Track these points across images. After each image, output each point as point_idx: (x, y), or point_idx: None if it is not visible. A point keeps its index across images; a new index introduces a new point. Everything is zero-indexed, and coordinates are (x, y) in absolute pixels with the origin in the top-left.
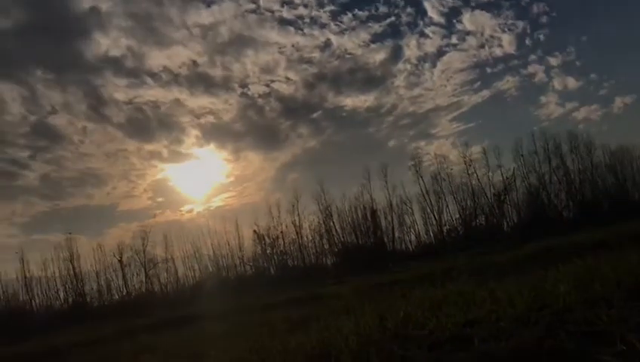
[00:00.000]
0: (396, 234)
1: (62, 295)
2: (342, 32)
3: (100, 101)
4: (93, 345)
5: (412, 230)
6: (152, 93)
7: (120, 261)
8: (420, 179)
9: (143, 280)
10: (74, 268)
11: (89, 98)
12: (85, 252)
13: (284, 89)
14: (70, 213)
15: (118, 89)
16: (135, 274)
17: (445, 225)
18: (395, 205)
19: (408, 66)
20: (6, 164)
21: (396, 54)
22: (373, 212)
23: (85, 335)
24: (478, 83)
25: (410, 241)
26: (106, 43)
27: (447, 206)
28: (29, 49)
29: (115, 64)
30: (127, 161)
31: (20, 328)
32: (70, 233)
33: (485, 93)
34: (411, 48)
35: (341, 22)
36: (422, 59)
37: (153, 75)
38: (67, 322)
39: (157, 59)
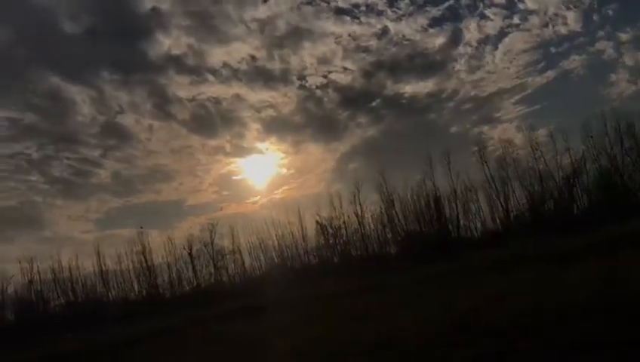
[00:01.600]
0: (461, 222)
1: (136, 287)
2: (399, 18)
3: (165, 99)
4: (167, 333)
5: (477, 217)
6: (213, 89)
7: (189, 253)
8: (485, 164)
9: (212, 271)
10: (146, 261)
11: (154, 97)
12: (156, 245)
13: (342, 79)
14: (141, 208)
15: (180, 87)
16: (204, 265)
17: (512, 211)
18: (459, 192)
19: (469, 50)
20: (80, 163)
21: (456, 38)
22: (437, 199)
23: (160, 325)
24: (543, 63)
25: (476, 229)
26: (168, 42)
27: (514, 191)
28: (96, 52)
29: (177, 62)
30: (192, 156)
31: (97, 319)
32: (142, 227)
33: (550, 74)
34: (471, 31)
35: (398, 8)
36: (483, 41)
37: (214, 72)
38: (141, 312)
39: (217, 55)
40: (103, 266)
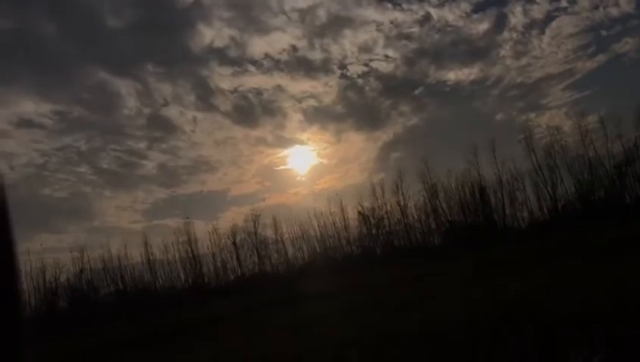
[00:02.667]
0: (507, 212)
1: (182, 276)
2: (442, 4)
3: (208, 91)
4: (216, 321)
5: (524, 207)
6: (254, 80)
7: (234, 243)
8: (532, 152)
9: (256, 261)
10: (192, 250)
11: (197, 88)
12: (202, 235)
13: (384, 67)
14: (186, 198)
15: (223, 78)
16: (248, 255)
17: (560, 200)
18: (504, 181)
19: (514, 35)
20: (127, 155)
21: (500, 23)
22: (482, 189)
23: (207, 313)
24: (593, 47)
25: (523, 218)
26: (210, 34)
27: (562, 180)
28: (140, 46)
29: (219, 54)
30: (235, 147)
31: (145, 307)
32: (187, 218)
33: (601, 58)
34: (517, 16)
35: None
36: (529, 26)
37: (255, 63)
38: (188, 301)
39: (258, 46)
40: (151, 256)
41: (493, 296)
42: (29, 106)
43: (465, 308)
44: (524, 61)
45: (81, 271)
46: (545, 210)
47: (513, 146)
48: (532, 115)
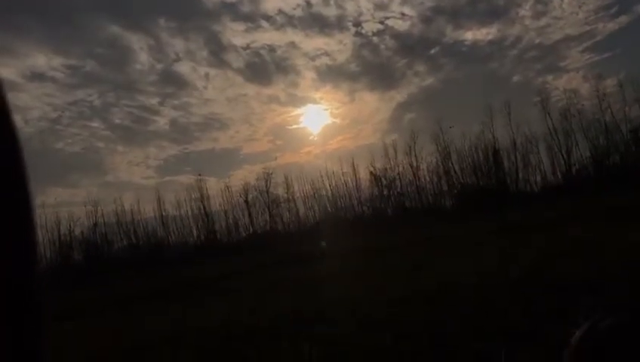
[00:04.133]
0: (520, 175)
1: (194, 232)
2: None
3: (220, 47)
4: (227, 277)
5: (538, 170)
6: (267, 36)
7: (246, 201)
8: (547, 116)
9: (267, 219)
10: (204, 207)
11: (209, 44)
12: (214, 192)
13: (400, 25)
14: (198, 155)
15: (235, 34)
16: (260, 213)
17: (574, 164)
18: (519, 144)
19: None
20: (139, 111)
21: None
22: (496, 152)
23: (217, 269)
24: (615, 8)
25: (536, 182)
26: None
27: (577, 144)
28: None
29: (231, 9)
30: (247, 105)
31: (158, 262)
32: (200, 175)
33: (623, 19)
34: None
35: None
36: None
37: (268, 19)
38: (200, 256)
39: (272, 1)
40: (163, 211)
41: (505, 259)
42: (41, 59)
43: (476, 269)
44: (543, 21)
45: (95, 224)
46: (559, 174)
47: (529, 109)
48: (549, 78)
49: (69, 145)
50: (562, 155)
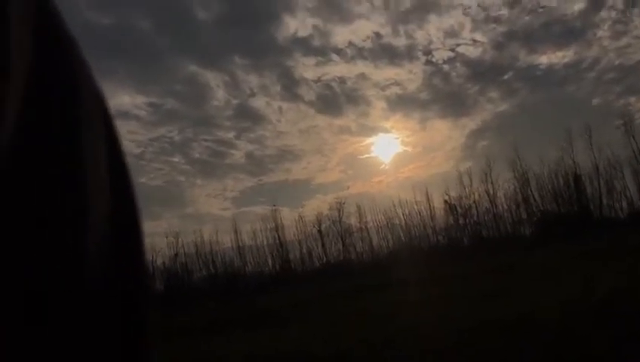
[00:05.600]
0: (604, 201)
1: (270, 262)
2: None
3: (292, 81)
4: (303, 305)
5: (623, 196)
6: (338, 69)
7: (319, 231)
8: (632, 138)
9: (341, 248)
10: (279, 237)
11: (282, 79)
12: (288, 222)
13: (471, 52)
14: (272, 186)
15: (307, 68)
16: (333, 243)
17: None
18: (601, 169)
19: (613, 14)
20: (216, 145)
21: (597, 1)
22: (577, 177)
23: (292, 297)
24: None
25: (622, 209)
26: (294, 25)
27: None
28: (227, 38)
29: (303, 44)
30: (319, 136)
31: (236, 290)
32: (275, 205)
33: None
34: None
35: None
36: (629, 3)
37: (339, 52)
38: (275, 285)
39: (341, 35)
40: (240, 242)
41: (587, 286)
42: (126, 99)
43: (560, 298)
44: (623, 41)
45: (176, 255)
46: None
47: (611, 132)
48: (632, 99)
49: (151, 180)
50: None
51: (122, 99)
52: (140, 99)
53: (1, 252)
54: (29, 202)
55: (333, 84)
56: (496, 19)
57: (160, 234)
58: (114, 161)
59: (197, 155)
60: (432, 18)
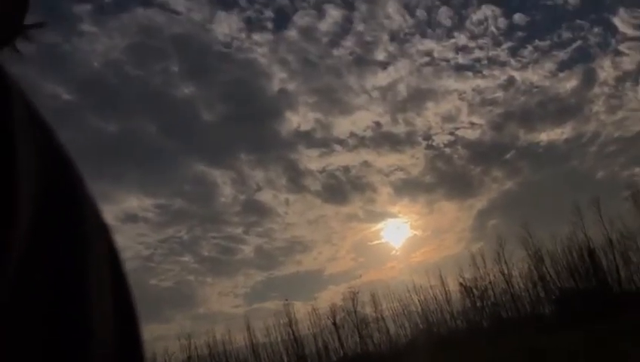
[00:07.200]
0: (622, 274)
1: (285, 358)
2: (524, 67)
3: (297, 173)
4: None
5: None
6: (341, 158)
7: (334, 323)
8: None
9: (357, 340)
10: (293, 332)
11: (288, 172)
12: (301, 316)
13: (470, 134)
14: (283, 280)
15: (311, 160)
16: (349, 335)
17: None
18: (615, 242)
19: (606, 89)
20: (225, 241)
21: (590, 78)
22: (591, 252)
23: None
24: None
25: None
26: (297, 119)
27: None
28: (232, 136)
29: (306, 137)
30: (327, 225)
31: None
32: (287, 299)
33: None
34: (606, 69)
35: (522, 56)
36: (621, 79)
37: (341, 142)
38: None
39: (343, 126)
40: (253, 339)
41: None
42: (134, 202)
43: None
44: (620, 115)
45: (189, 357)
46: None
47: (619, 204)
48: (636, 170)
49: (162, 281)
50: None
51: (130, 203)
52: (148, 202)
53: None
54: (34, 330)
55: (338, 173)
56: (492, 102)
57: (172, 337)
58: (117, 283)
59: (206, 253)
60: (429, 105)
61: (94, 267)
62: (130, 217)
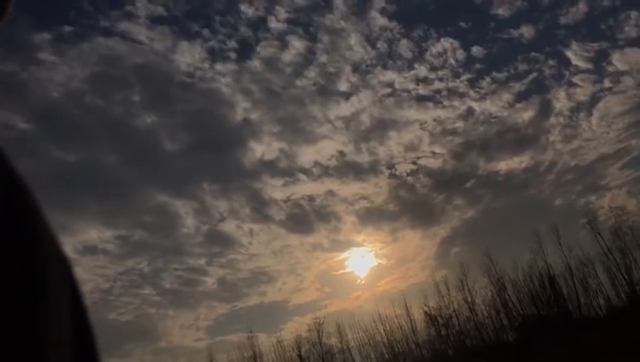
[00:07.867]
0: (582, 300)
1: None
2: (483, 98)
3: (262, 203)
4: None
5: (599, 294)
6: (305, 187)
7: (299, 355)
8: (598, 236)
9: None
10: None
11: (252, 201)
12: (266, 348)
13: (432, 163)
14: (247, 311)
15: (275, 189)
16: None
17: (638, 284)
18: (574, 268)
19: (561, 119)
20: (188, 273)
21: (545, 109)
22: (551, 278)
23: None
24: None
25: (600, 306)
26: (260, 149)
27: (636, 262)
28: (195, 166)
29: (270, 166)
30: (292, 255)
31: None
32: (251, 331)
33: None
34: (561, 100)
35: (480, 87)
36: (575, 109)
37: (305, 171)
38: None
39: (307, 155)
40: None
41: None
42: (93, 233)
43: None
44: (575, 144)
45: None
46: (622, 295)
47: (577, 231)
48: (592, 198)
49: (121, 315)
50: (622, 275)
51: (90, 235)
52: (108, 233)
53: None
54: None
55: (303, 202)
56: (453, 132)
57: None
58: (77, 317)
59: (168, 285)
60: (392, 134)
61: (52, 301)
62: (90, 249)
